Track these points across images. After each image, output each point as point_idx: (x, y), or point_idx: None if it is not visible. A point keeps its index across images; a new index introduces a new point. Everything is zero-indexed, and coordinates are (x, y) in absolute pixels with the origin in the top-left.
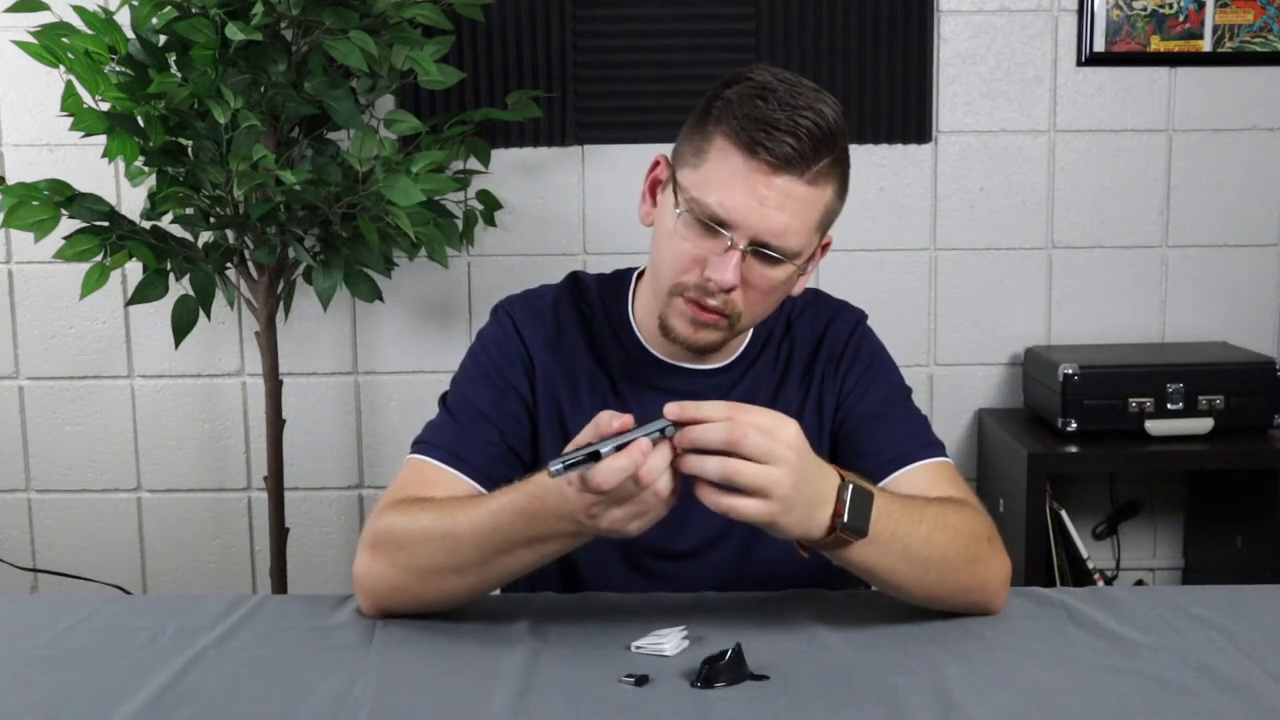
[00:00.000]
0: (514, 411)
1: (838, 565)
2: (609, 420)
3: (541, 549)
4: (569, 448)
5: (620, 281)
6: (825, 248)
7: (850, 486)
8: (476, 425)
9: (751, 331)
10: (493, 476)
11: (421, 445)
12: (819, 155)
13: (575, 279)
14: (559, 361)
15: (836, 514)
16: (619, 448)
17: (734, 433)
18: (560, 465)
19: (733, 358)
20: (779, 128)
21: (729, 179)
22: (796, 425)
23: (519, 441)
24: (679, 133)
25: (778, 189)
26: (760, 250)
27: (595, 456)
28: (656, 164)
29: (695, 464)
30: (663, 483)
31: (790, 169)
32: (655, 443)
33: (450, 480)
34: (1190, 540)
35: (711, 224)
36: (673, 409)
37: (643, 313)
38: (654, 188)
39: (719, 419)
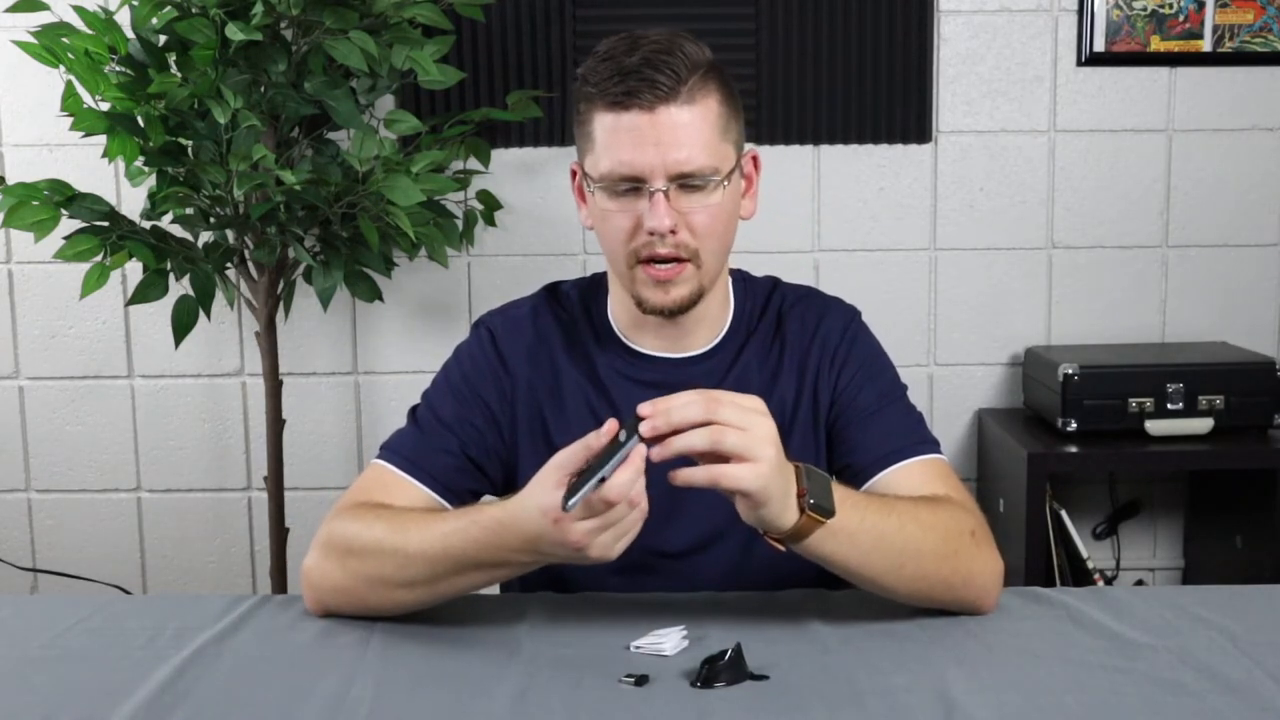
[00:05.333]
0: (477, 424)
1: (814, 562)
2: (595, 438)
3: (494, 573)
4: (550, 472)
5: (598, 282)
6: (756, 163)
7: (806, 467)
8: (438, 435)
9: (731, 315)
10: (451, 487)
11: (384, 452)
12: (684, 77)
13: (553, 288)
14: (540, 372)
15: (800, 493)
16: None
17: (710, 405)
18: (573, 501)
19: (715, 341)
20: (633, 73)
21: (618, 139)
22: (761, 400)
23: (481, 453)
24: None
25: (663, 124)
26: (681, 183)
27: (601, 481)
28: (574, 174)
29: (681, 441)
30: (644, 501)
31: (663, 101)
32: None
33: (408, 488)
34: (1190, 540)
35: (627, 185)
36: (645, 408)
37: (618, 308)
38: (580, 193)
39: (692, 399)
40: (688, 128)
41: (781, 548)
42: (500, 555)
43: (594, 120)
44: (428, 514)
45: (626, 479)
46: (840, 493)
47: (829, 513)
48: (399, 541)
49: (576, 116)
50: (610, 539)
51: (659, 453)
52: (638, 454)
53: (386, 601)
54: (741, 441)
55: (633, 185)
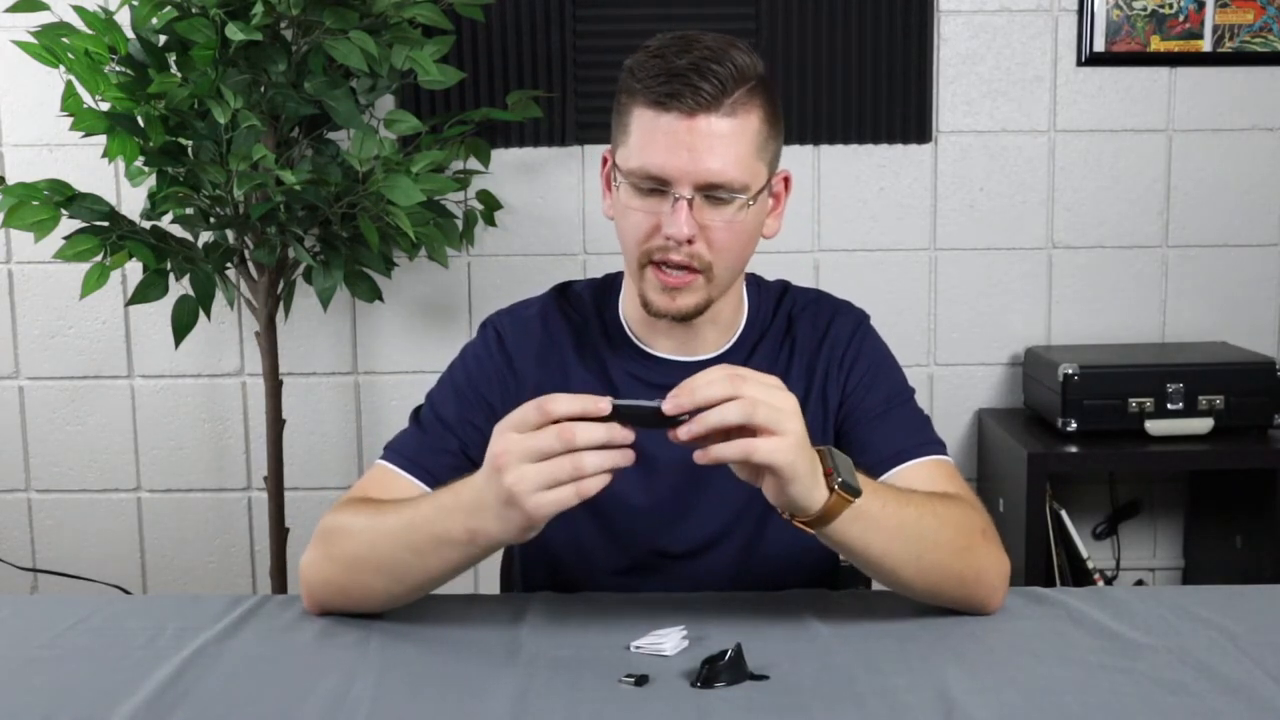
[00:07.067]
0: (478, 424)
1: (834, 549)
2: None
3: (445, 554)
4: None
5: (610, 283)
6: (787, 184)
7: (829, 449)
8: (438, 435)
9: (745, 320)
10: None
11: (386, 451)
12: (729, 89)
13: (565, 288)
14: (549, 373)
15: (827, 473)
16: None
17: (735, 382)
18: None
19: (726, 346)
20: (681, 75)
21: (653, 139)
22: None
23: (482, 454)
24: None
25: (700, 132)
26: (707, 194)
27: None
28: (605, 161)
29: (716, 415)
30: (589, 461)
31: (705, 109)
32: (627, 423)
33: (407, 487)
34: (1190, 540)
35: (653, 185)
36: (669, 404)
37: (631, 308)
38: (608, 182)
39: (717, 377)
40: (724, 139)
41: (810, 530)
42: (451, 521)
43: (633, 114)
44: (415, 497)
45: (567, 404)
46: (862, 478)
47: (856, 491)
48: (375, 521)
49: (616, 106)
50: (534, 475)
51: (688, 430)
52: (600, 403)
53: (361, 589)
54: (770, 416)
55: (658, 187)
